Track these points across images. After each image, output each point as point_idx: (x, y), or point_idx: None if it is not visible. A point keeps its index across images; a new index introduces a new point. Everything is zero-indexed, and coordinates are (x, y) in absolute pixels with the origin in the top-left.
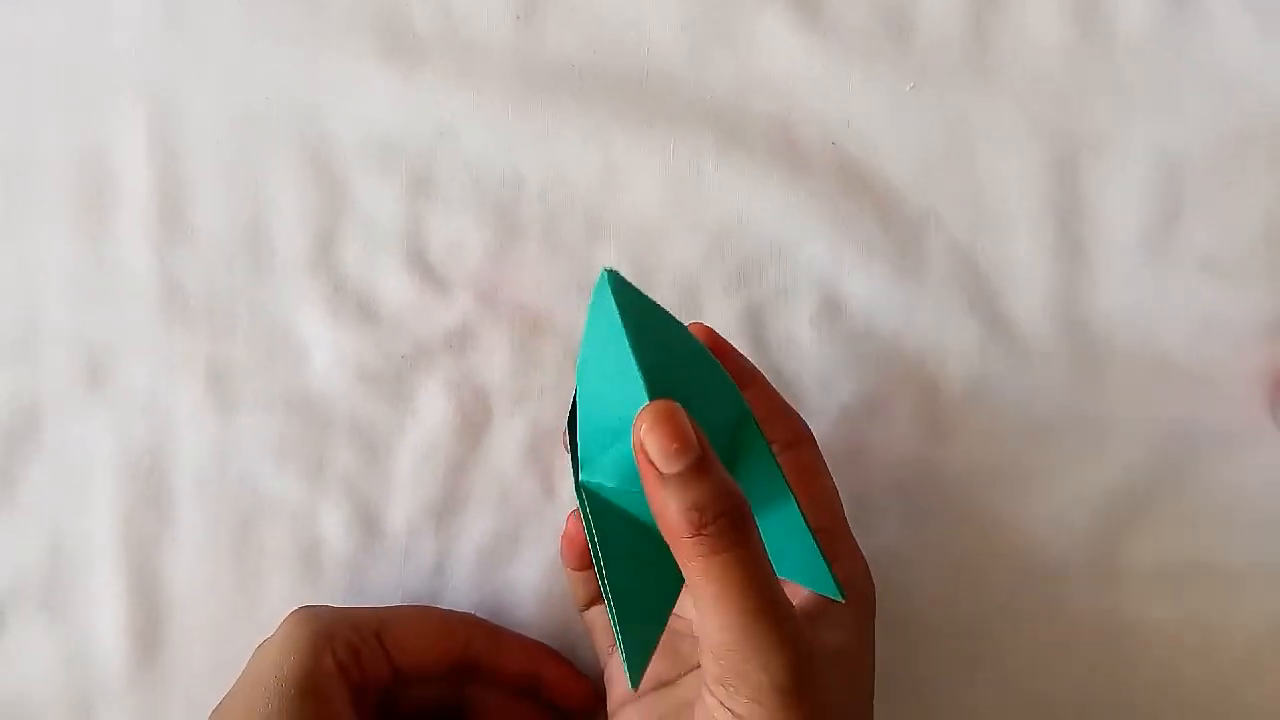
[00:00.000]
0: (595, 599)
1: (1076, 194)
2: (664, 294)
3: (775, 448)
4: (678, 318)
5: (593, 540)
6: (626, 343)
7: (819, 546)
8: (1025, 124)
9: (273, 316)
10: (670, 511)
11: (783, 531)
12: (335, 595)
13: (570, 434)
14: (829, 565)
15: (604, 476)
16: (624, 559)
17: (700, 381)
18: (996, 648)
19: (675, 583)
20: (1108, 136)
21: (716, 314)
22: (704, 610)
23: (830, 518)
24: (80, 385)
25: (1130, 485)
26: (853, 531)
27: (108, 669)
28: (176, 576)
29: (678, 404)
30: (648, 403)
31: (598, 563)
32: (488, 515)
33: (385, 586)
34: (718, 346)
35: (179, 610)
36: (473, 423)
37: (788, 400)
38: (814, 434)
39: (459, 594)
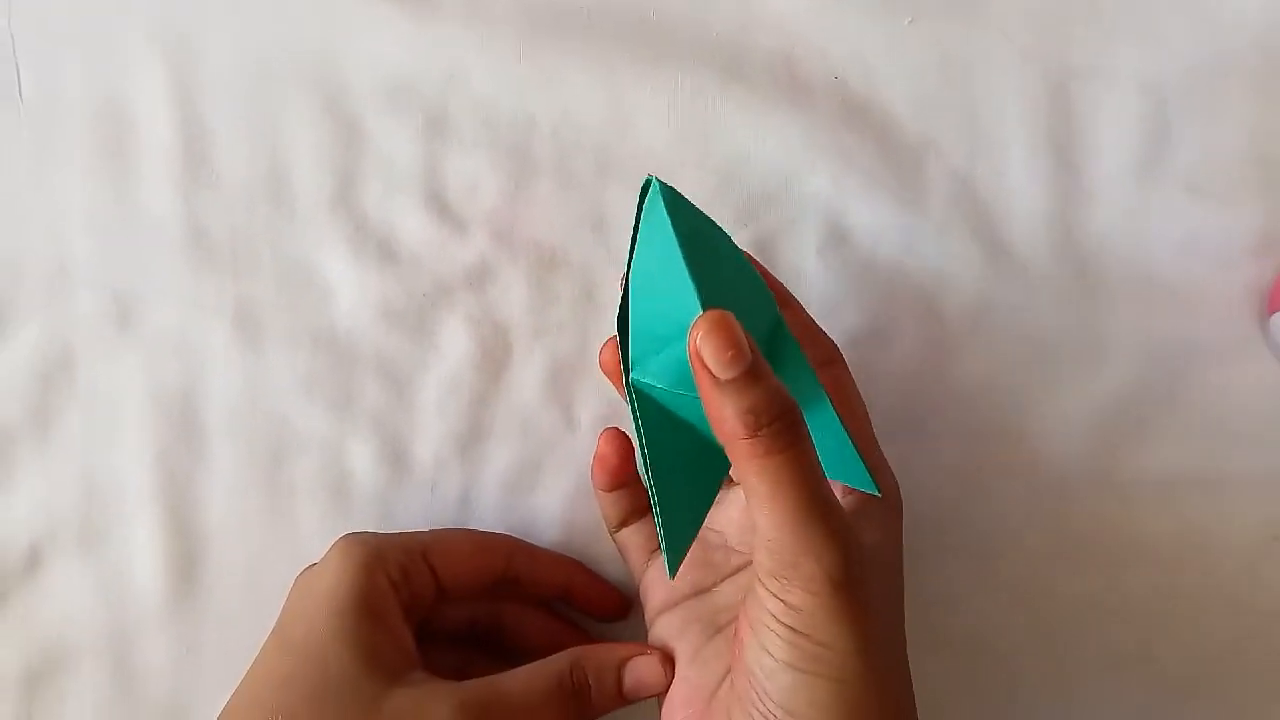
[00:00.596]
0: (626, 520)
1: (1069, 122)
2: None
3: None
4: None
5: (640, 436)
6: (680, 254)
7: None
8: (1018, 55)
9: (296, 257)
10: (727, 415)
11: (820, 432)
12: (365, 525)
13: (620, 333)
14: (864, 463)
15: (654, 378)
16: (668, 455)
17: (742, 289)
18: (999, 559)
19: (714, 484)
20: (1096, 65)
21: None
22: (759, 507)
23: (862, 429)
24: (110, 328)
25: (1126, 401)
26: None
27: (145, 604)
28: (210, 511)
29: (730, 313)
30: (702, 312)
31: (643, 457)
32: (510, 446)
33: (413, 517)
34: (755, 267)
35: (213, 544)
36: (493, 357)
37: None
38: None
39: (484, 523)
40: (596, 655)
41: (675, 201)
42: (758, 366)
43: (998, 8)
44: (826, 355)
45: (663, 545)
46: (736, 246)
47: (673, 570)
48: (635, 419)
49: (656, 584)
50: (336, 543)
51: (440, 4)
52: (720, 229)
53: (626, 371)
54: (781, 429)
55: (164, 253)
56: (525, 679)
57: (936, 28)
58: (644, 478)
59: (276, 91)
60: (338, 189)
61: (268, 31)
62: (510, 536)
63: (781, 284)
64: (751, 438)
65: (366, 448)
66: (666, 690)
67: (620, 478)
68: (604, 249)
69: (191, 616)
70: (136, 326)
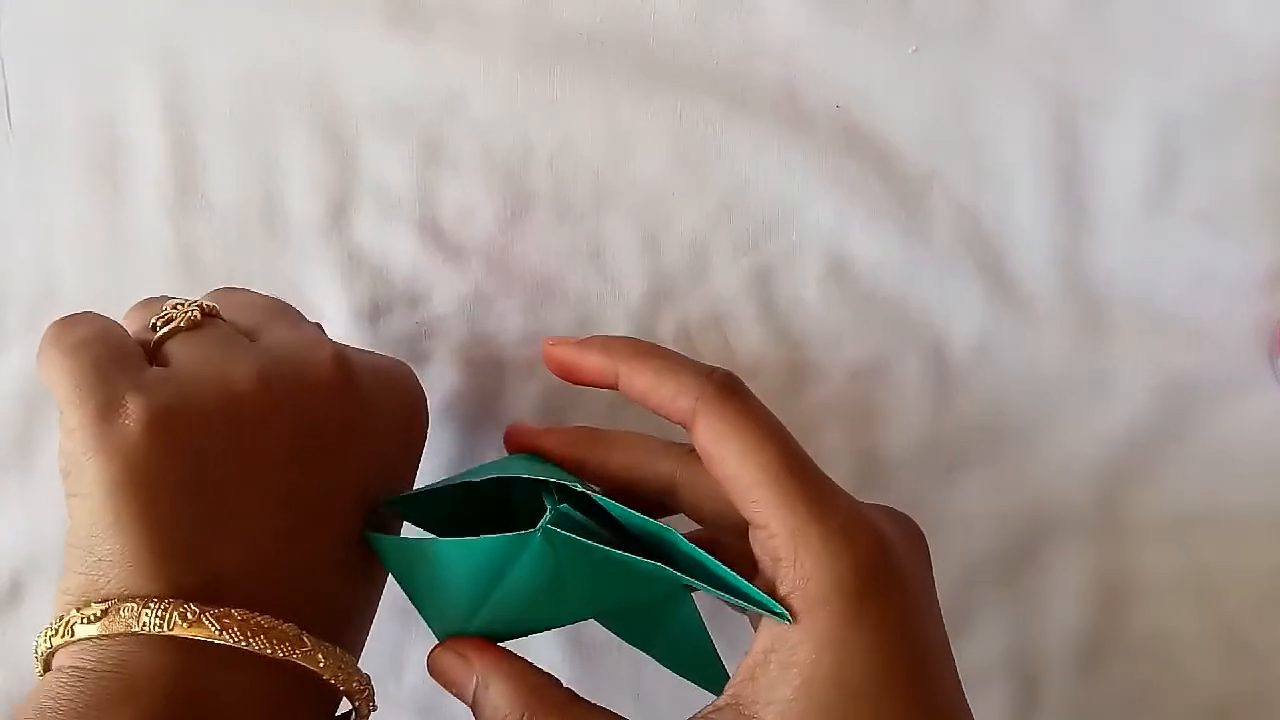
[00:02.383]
0: None
1: (1076, 153)
2: (672, 258)
3: (680, 421)
4: (685, 281)
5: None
6: (410, 593)
7: (731, 580)
8: (1025, 85)
9: (287, 283)
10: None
11: (683, 594)
12: None
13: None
14: (751, 591)
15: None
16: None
17: (490, 556)
18: (1001, 598)
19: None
20: (1105, 95)
21: (724, 277)
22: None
23: (768, 493)
24: None
25: (1133, 437)
26: (863, 489)
27: None
28: None
29: (442, 646)
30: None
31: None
32: None
33: None
34: (564, 359)
35: None
36: (486, 388)
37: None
38: (824, 388)
39: None
40: None
41: (390, 551)
42: (480, 686)
43: (1004, 37)
44: (694, 396)
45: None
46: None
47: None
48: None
49: None
50: None
51: (438, 28)
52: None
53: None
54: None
55: (153, 277)
56: None
57: (941, 57)
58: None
59: (270, 115)
60: (330, 214)
61: (262, 54)
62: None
63: (619, 341)
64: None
65: None
66: None
67: None
68: (601, 279)
69: None
70: None
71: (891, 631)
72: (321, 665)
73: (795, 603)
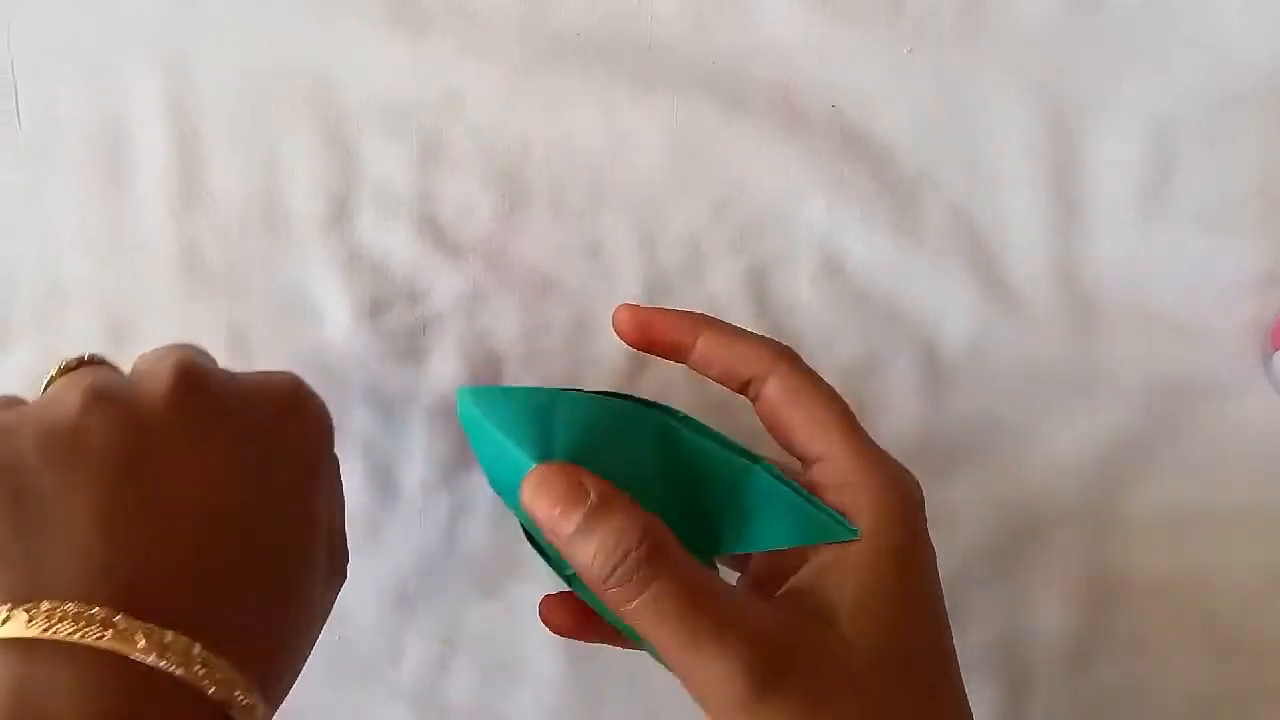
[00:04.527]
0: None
1: (1071, 154)
2: (668, 257)
3: (751, 385)
4: (680, 280)
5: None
6: (500, 435)
7: (807, 497)
8: (1020, 86)
9: (289, 280)
10: (580, 565)
11: (766, 502)
12: (352, 550)
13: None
14: (824, 509)
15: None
16: None
17: (599, 428)
18: (994, 598)
19: None
20: (1100, 97)
21: (719, 276)
22: (654, 643)
23: (839, 434)
24: (104, 349)
25: (1126, 438)
26: None
27: None
28: None
29: (549, 465)
30: (529, 472)
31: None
32: None
33: (401, 543)
34: (644, 319)
35: None
36: (485, 383)
37: None
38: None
39: (474, 549)
40: None
41: (480, 396)
42: (601, 509)
43: (999, 38)
44: (766, 363)
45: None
46: (581, 392)
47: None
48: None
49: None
50: None
51: (437, 29)
52: (552, 391)
53: (557, 569)
54: (636, 563)
55: (157, 275)
56: None
57: (936, 58)
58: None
59: (272, 114)
60: (331, 212)
61: (264, 54)
62: None
63: (689, 314)
64: (614, 586)
65: (355, 474)
66: None
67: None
68: (597, 276)
69: None
70: (129, 348)
71: (931, 563)
72: (141, 646)
73: (863, 521)
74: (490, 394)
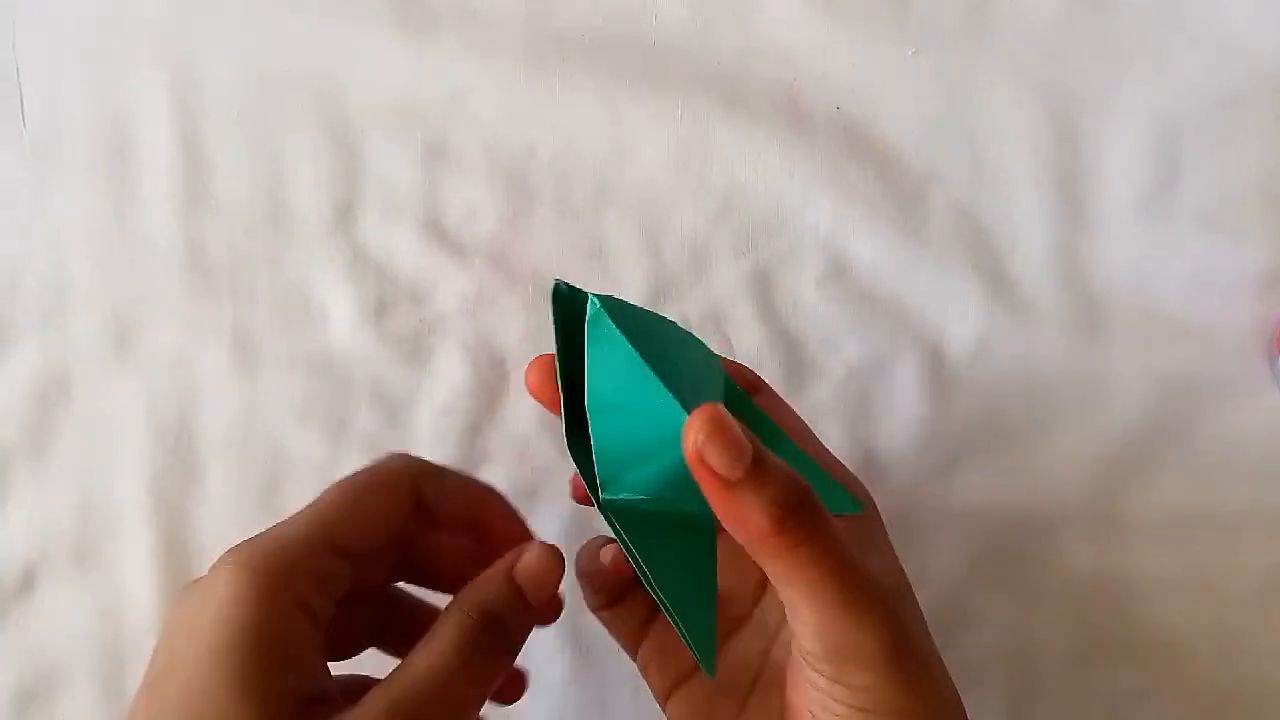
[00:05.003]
0: (613, 602)
1: (1075, 154)
2: (672, 258)
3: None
4: (685, 281)
5: (632, 555)
6: (645, 367)
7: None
8: (1024, 86)
9: (293, 281)
10: (750, 515)
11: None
12: None
13: (577, 458)
14: (838, 483)
15: (632, 491)
16: (664, 562)
17: (698, 369)
18: (998, 598)
19: (710, 567)
20: (1105, 97)
21: (724, 277)
22: (800, 598)
23: (815, 446)
24: (108, 350)
25: (1130, 439)
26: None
27: (138, 626)
28: (204, 534)
29: (721, 407)
30: (690, 414)
31: (643, 574)
32: (505, 474)
33: None
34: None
35: (207, 567)
36: (489, 384)
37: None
38: (823, 388)
39: None
40: (482, 584)
41: (618, 311)
42: (763, 458)
43: (1004, 38)
44: (751, 383)
45: (692, 648)
46: (674, 323)
47: (711, 669)
48: (622, 539)
49: (654, 662)
50: (224, 557)
51: (442, 30)
52: (656, 315)
53: (596, 494)
54: (805, 516)
55: (163, 275)
56: (425, 651)
57: (940, 58)
58: (650, 591)
59: (277, 115)
60: (336, 213)
61: (269, 55)
62: (409, 462)
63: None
64: (779, 533)
65: None
66: (561, 572)
67: (614, 594)
68: (602, 277)
69: None
70: (134, 349)
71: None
72: None
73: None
74: (625, 312)
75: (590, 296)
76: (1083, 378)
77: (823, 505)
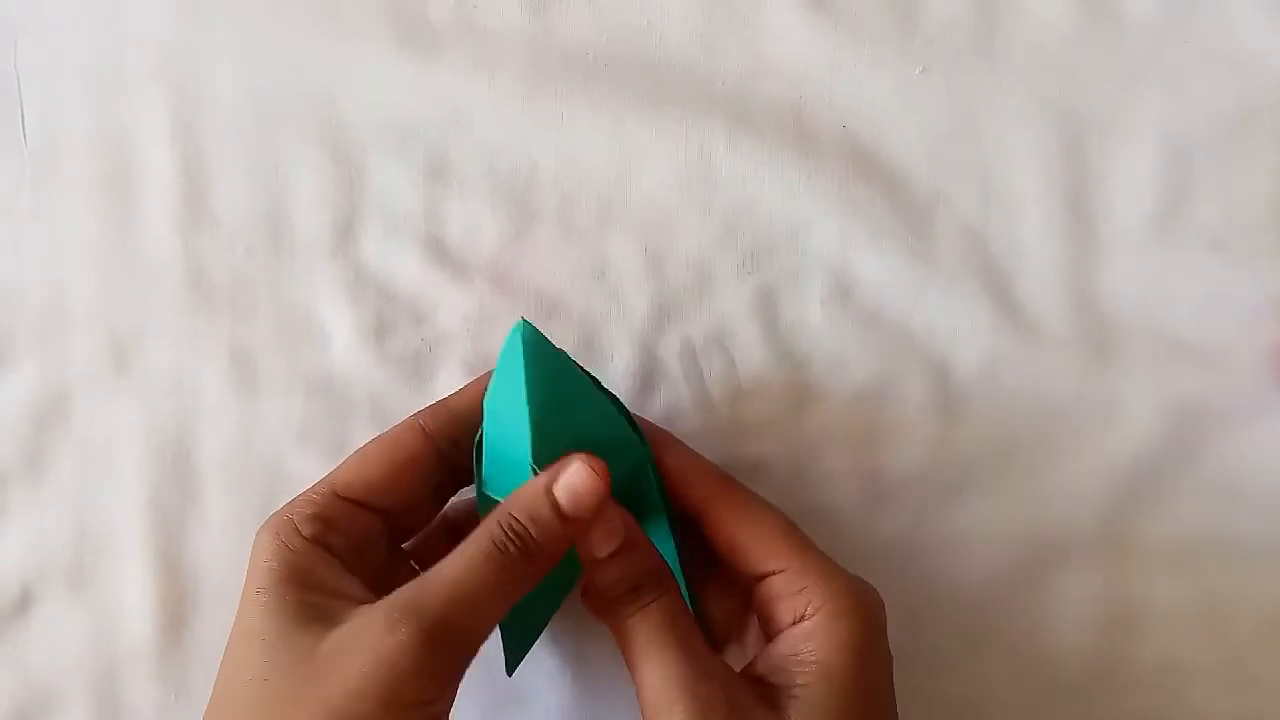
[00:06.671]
0: None
1: (1085, 174)
2: (676, 278)
3: (700, 500)
4: (689, 301)
5: None
6: (524, 397)
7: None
8: (1033, 106)
9: (293, 300)
10: (607, 581)
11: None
12: None
13: (476, 453)
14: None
15: (502, 495)
16: None
17: (600, 432)
18: (1006, 625)
19: (558, 589)
20: (1115, 117)
21: (729, 297)
22: (637, 661)
23: (790, 550)
24: (106, 369)
25: (1140, 463)
26: (868, 511)
27: (135, 647)
28: (201, 556)
29: (602, 482)
30: (531, 469)
31: None
32: None
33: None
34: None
35: (204, 589)
36: None
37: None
38: (829, 409)
39: None
40: (519, 497)
41: (537, 345)
42: (630, 540)
43: (1012, 57)
44: (715, 479)
45: (504, 646)
46: (604, 390)
47: (511, 668)
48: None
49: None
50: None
51: (444, 48)
52: (582, 372)
53: (480, 485)
54: (648, 587)
55: (162, 294)
56: (456, 555)
57: (948, 77)
58: None
59: (278, 133)
60: (337, 232)
61: (270, 74)
62: (420, 413)
63: (662, 430)
64: (627, 602)
65: None
66: (601, 490)
67: None
68: (604, 298)
69: (181, 661)
70: (133, 368)
71: (886, 660)
72: None
73: (820, 619)
74: (543, 351)
75: (521, 322)
76: (1092, 401)
77: (673, 586)
